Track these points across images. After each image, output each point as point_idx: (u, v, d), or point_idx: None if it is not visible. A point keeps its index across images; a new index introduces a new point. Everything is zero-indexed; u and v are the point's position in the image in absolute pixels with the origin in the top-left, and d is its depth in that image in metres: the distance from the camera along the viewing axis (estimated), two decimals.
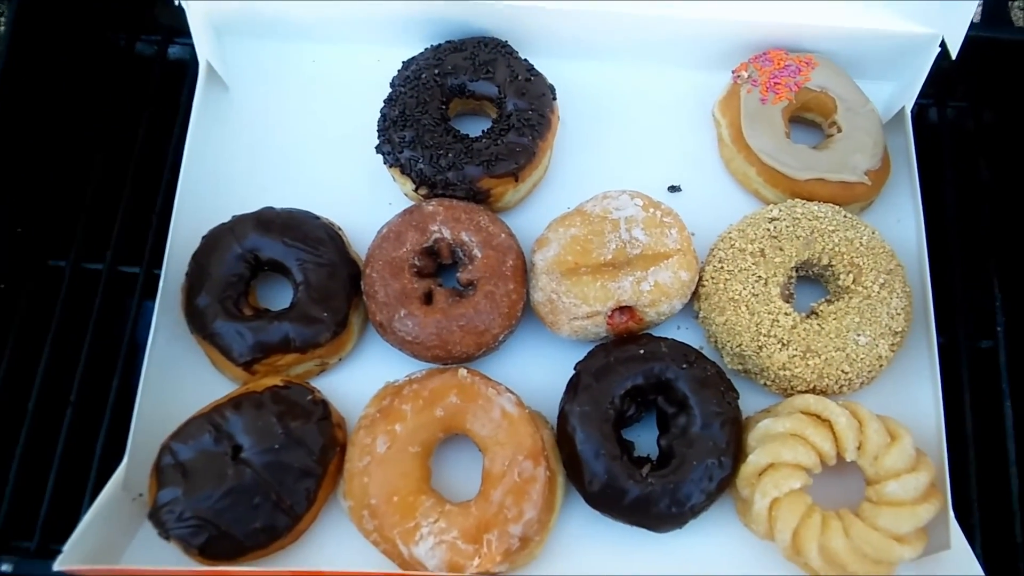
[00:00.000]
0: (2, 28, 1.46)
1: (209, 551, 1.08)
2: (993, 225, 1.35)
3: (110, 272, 1.30)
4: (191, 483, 1.09)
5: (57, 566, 1.04)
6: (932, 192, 1.33)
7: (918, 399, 1.22)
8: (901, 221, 1.33)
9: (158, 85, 1.42)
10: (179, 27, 1.35)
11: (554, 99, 1.30)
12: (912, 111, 1.35)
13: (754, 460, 1.11)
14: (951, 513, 1.11)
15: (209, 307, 1.20)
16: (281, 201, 1.27)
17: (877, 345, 1.17)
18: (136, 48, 1.46)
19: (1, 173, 1.29)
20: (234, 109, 1.39)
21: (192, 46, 1.34)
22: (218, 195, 1.32)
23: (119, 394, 1.23)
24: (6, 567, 1.12)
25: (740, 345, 1.18)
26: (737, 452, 1.13)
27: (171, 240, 1.24)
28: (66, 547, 1.05)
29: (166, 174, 1.34)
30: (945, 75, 1.37)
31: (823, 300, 1.22)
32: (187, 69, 1.42)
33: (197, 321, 1.20)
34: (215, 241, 1.23)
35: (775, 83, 1.31)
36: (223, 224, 1.25)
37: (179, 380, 1.23)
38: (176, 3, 1.31)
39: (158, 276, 1.24)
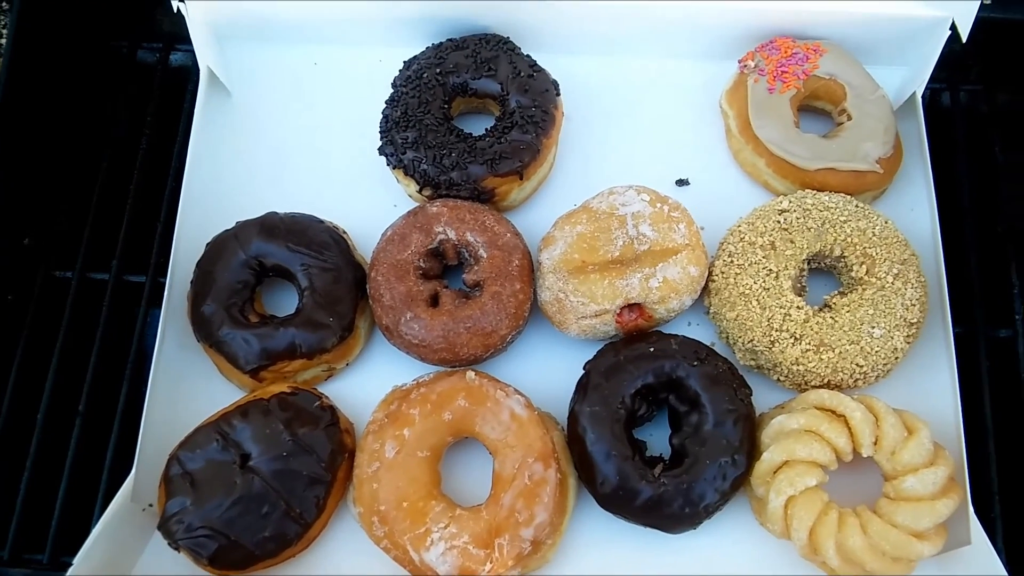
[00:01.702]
0: (3, 38, 1.45)
1: (219, 561, 1.08)
2: (1009, 209, 1.32)
3: (116, 281, 1.30)
4: (200, 493, 1.09)
5: None
6: (947, 178, 1.32)
7: (935, 391, 1.20)
8: (915, 209, 1.31)
9: (160, 92, 1.42)
10: (180, 34, 1.34)
11: (558, 95, 1.29)
12: (924, 96, 1.33)
13: (768, 458, 1.09)
14: (971, 508, 1.09)
15: (215, 315, 1.19)
16: (286, 205, 1.26)
17: (892, 337, 1.15)
18: (138, 56, 1.45)
19: (5, 183, 1.29)
20: (236, 114, 1.38)
21: (194, 52, 1.33)
22: (222, 201, 1.32)
23: (127, 403, 1.23)
24: None
25: (752, 340, 1.16)
26: (751, 450, 1.12)
27: (176, 248, 1.24)
28: (76, 559, 1.06)
29: (170, 182, 1.33)
30: (958, 58, 1.35)
31: (836, 292, 1.20)
32: (189, 76, 1.41)
33: (203, 329, 1.19)
34: (219, 248, 1.22)
35: (782, 72, 1.29)
36: (227, 230, 1.24)
37: (187, 388, 1.23)
38: (175, 9, 1.30)
39: (164, 284, 1.23)
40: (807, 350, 1.14)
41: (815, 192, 1.23)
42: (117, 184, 1.35)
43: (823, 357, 1.14)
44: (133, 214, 1.33)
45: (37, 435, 1.22)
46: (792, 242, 1.18)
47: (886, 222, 1.20)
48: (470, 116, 1.36)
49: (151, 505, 1.16)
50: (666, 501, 1.08)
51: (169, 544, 1.09)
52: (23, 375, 1.25)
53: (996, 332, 1.27)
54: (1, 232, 1.28)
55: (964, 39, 1.27)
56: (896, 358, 1.16)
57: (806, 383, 1.16)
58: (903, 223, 1.24)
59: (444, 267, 1.24)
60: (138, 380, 1.23)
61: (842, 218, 1.19)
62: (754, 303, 1.16)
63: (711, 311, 1.22)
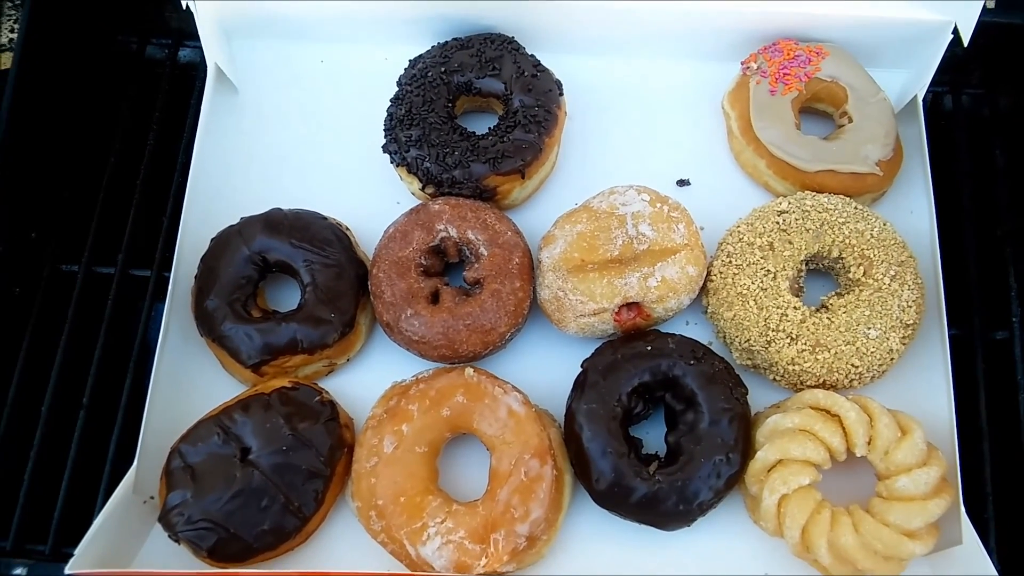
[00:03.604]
0: (14, 33, 1.47)
1: (218, 553, 1.09)
2: (1009, 213, 1.32)
3: (121, 276, 1.31)
4: (200, 486, 1.10)
5: (68, 570, 1.05)
6: (948, 181, 1.32)
7: (931, 392, 1.21)
8: (914, 212, 1.31)
9: (169, 88, 1.43)
10: (189, 30, 1.35)
11: (561, 95, 1.29)
12: (926, 99, 1.33)
13: (763, 456, 1.10)
14: (962, 508, 1.09)
15: (218, 309, 1.20)
16: (290, 202, 1.27)
17: (888, 338, 1.15)
18: (147, 51, 1.46)
19: (13, 178, 1.30)
20: (243, 110, 1.40)
21: (202, 49, 1.34)
22: (227, 197, 1.33)
23: (131, 397, 1.24)
24: (20, 571, 1.13)
25: (748, 340, 1.17)
26: (746, 448, 1.12)
27: (180, 243, 1.25)
28: (77, 551, 1.07)
29: (176, 177, 1.35)
30: (960, 62, 1.35)
31: (833, 293, 1.20)
32: (197, 72, 1.42)
33: (206, 323, 1.21)
34: (223, 243, 1.24)
35: (785, 74, 1.30)
36: (231, 226, 1.25)
37: (189, 382, 1.24)
38: (184, 6, 1.32)
39: (169, 279, 1.24)
40: (803, 350, 1.15)
41: (814, 194, 1.24)
42: (124, 179, 1.36)
43: (819, 357, 1.15)
44: (139, 209, 1.34)
45: (41, 427, 1.23)
46: (790, 243, 1.19)
47: (884, 224, 1.21)
48: (474, 115, 1.37)
49: (152, 498, 1.17)
50: (661, 498, 1.09)
51: (169, 536, 1.10)
52: (28, 367, 1.26)
53: (993, 334, 1.27)
54: (8, 226, 1.29)
55: (966, 43, 1.27)
56: (892, 359, 1.17)
57: (802, 383, 1.17)
58: (903, 225, 1.24)
59: (445, 264, 1.25)
60: (141, 374, 1.24)
61: (840, 220, 1.20)
62: (751, 303, 1.17)
63: (709, 311, 1.23)
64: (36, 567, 1.14)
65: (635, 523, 1.13)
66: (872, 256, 1.18)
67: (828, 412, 1.12)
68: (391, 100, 1.29)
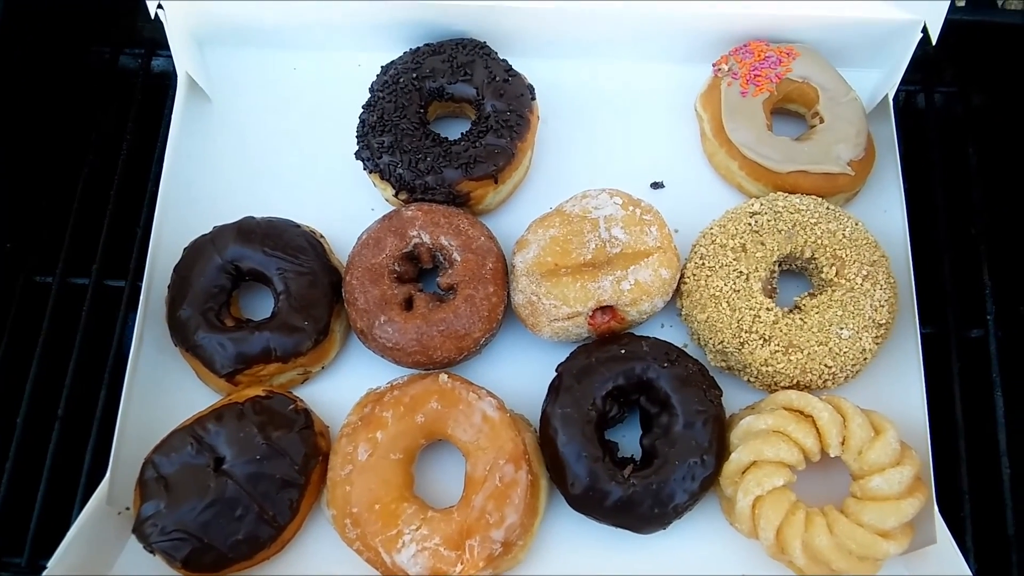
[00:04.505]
0: None
1: (192, 563, 1.09)
2: (983, 210, 1.32)
3: (96, 286, 1.31)
4: (173, 496, 1.10)
5: None
6: (921, 180, 1.32)
7: (905, 392, 1.21)
8: (888, 211, 1.31)
9: (142, 98, 1.43)
10: (162, 40, 1.35)
11: (533, 99, 1.30)
12: (899, 98, 1.34)
13: (736, 458, 1.10)
14: (935, 507, 1.09)
15: (191, 319, 1.20)
16: (265, 210, 1.27)
17: (861, 338, 1.16)
18: (120, 61, 1.46)
19: None
20: (216, 119, 1.39)
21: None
22: (201, 206, 1.33)
23: (106, 408, 1.24)
24: None
25: (722, 342, 1.17)
26: (720, 450, 1.12)
27: (153, 252, 1.25)
28: (50, 563, 1.07)
29: (150, 187, 1.34)
30: (932, 60, 1.36)
31: (806, 294, 1.20)
32: (171, 81, 1.41)
33: (180, 333, 1.20)
34: (196, 253, 1.23)
35: (755, 75, 1.30)
36: (204, 235, 1.25)
37: (164, 392, 1.24)
38: (153, 15, 1.32)
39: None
40: (776, 351, 1.15)
41: (786, 195, 1.24)
42: (98, 189, 1.36)
43: (792, 358, 1.15)
44: (113, 219, 1.34)
45: (16, 438, 1.23)
46: (763, 244, 1.19)
47: (856, 224, 1.21)
48: (446, 120, 1.37)
49: (128, 508, 1.17)
50: (636, 502, 1.09)
51: (144, 547, 1.10)
52: (3, 379, 1.26)
53: (968, 332, 1.27)
54: None
55: (934, 41, 1.27)
56: (865, 359, 1.17)
57: (776, 384, 1.17)
58: (876, 225, 1.25)
59: (419, 271, 1.25)
60: (117, 384, 1.23)
61: (812, 220, 1.20)
62: (724, 305, 1.17)
63: (683, 313, 1.23)
64: None
65: (611, 527, 1.13)
66: (844, 256, 1.18)
67: (802, 413, 1.12)
68: (363, 106, 1.29)
